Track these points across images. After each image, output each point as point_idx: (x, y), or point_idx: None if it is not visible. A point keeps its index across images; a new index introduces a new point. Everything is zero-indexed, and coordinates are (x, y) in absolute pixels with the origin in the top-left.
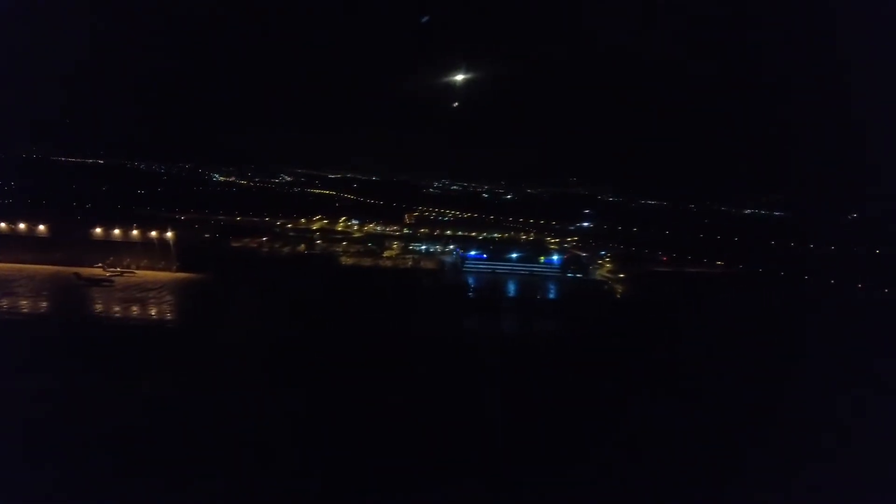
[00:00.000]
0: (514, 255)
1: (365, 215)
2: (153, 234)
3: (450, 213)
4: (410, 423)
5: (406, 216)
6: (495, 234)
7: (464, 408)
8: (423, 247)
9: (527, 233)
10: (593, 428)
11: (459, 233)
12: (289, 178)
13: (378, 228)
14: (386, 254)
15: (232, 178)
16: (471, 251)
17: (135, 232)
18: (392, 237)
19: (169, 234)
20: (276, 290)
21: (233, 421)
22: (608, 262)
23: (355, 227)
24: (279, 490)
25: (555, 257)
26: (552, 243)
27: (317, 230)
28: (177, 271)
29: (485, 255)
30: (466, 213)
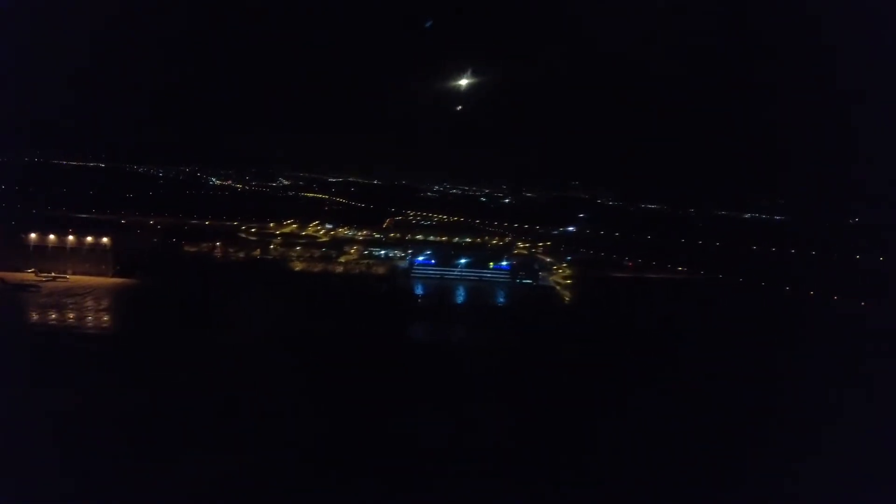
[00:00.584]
0: (463, 261)
1: (347, 219)
2: (90, 239)
3: (436, 216)
4: (330, 430)
5: (388, 220)
6: (467, 239)
7: (379, 413)
8: (382, 252)
9: (502, 237)
10: (505, 433)
11: (431, 237)
12: (286, 182)
13: (350, 233)
14: (342, 259)
15: (228, 182)
16: (419, 257)
17: (71, 237)
18: (359, 242)
19: (105, 240)
20: (204, 294)
21: (121, 428)
22: (566, 267)
23: (322, 232)
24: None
25: (504, 263)
26: (521, 248)
27: (280, 234)
28: (113, 276)
29: (433, 261)
30: (453, 217)
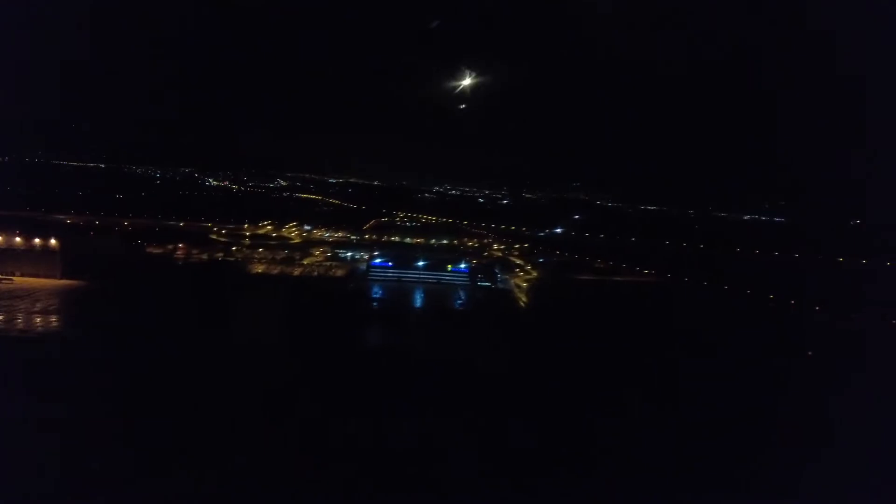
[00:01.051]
0: (421, 263)
1: (332, 221)
2: (38, 240)
3: (424, 217)
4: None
5: (373, 221)
6: (445, 241)
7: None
8: (349, 254)
9: (484, 238)
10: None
11: (408, 239)
12: (284, 183)
13: (326, 234)
14: (305, 261)
15: (225, 183)
16: (376, 259)
17: (19, 239)
18: (330, 243)
19: (53, 241)
20: (147, 296)
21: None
22: (533, 269)
23: (295, 233)
24: None
25: (462, 265)
26: (497, 249)
27: (250, 236)
28: (62, 278)
29: (389, 263)
30: (443, 219)
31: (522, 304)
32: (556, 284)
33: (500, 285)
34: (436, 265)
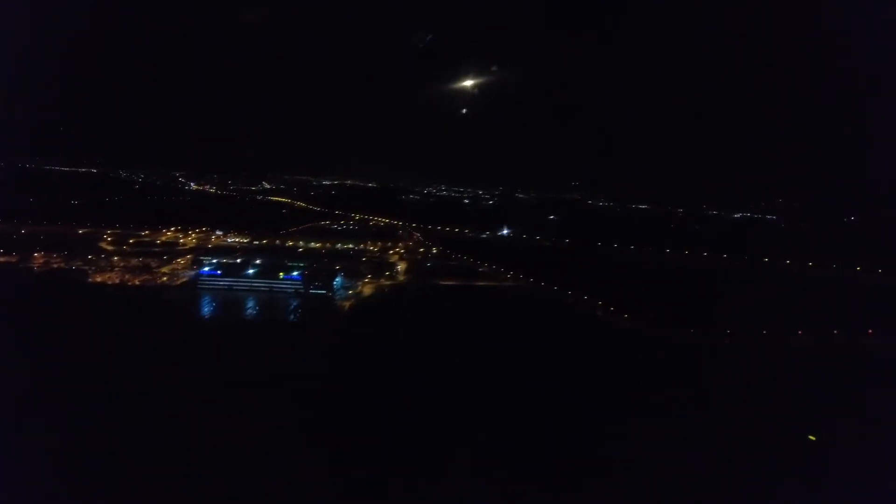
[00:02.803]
0: (251, 271)
1: (262, 225)
2: None
3: (373, 220)
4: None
5: (311, 224)
6: (349, 245)
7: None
8: (214, 260)
9: (398, 242)
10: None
11: (312, 244)
12: (268, 185)
13: (235, 240)
14: (164, 269)
15: (205, 186)
16: (204, 267)
17: None
18: (211, 250)
19: None
20: None
21: None
22: (400, 274)
23: (192, 238)
24: None
25: (295, 273)
26: (395, 253)
27: (137, 243)
28: None
29: (218, 272)
30: (393, 221)
31: (341, 310)
32: (402, 290)
33: (336, 293)
34: (267, 273)
